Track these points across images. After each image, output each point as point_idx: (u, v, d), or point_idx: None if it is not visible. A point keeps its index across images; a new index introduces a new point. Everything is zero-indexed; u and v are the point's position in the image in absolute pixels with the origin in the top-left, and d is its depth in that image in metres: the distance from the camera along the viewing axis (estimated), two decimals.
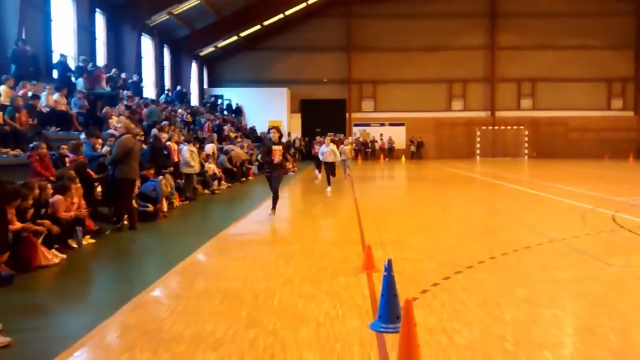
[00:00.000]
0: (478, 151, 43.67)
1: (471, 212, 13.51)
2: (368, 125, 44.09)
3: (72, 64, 19.71)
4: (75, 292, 6.88)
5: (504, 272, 7.18)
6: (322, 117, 41.98)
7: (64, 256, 8.15)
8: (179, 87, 31.85)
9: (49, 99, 14.89)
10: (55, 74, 18.60)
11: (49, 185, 8.66)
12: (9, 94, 12.90)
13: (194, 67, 37.86)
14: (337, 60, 42.97)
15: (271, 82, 41.37)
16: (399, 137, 43.77)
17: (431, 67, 42.40)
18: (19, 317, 5.53)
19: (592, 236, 9.77)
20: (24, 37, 16.65)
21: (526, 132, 43.56)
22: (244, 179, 22.68)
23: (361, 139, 43.56)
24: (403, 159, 40.40)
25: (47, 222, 8.01)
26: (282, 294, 6.17)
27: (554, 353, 4.49)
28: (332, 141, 20.09)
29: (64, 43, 21.42)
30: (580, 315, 5.49)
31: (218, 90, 40.80)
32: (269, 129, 12.20)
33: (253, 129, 36.11)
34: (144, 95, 25.45)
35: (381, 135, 43.99)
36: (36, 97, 13.67)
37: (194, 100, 36.87)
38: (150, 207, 11.94)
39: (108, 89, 18.55)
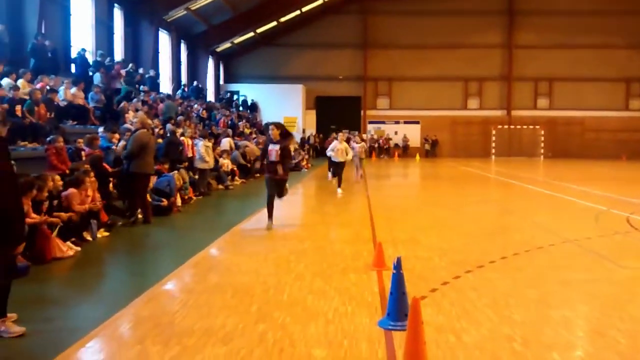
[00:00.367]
0: (493, 150, 43.42)
1: (484, 212, 13.46)
2: (383, 122, 44.00)
3: (90, 59, 19.89)
4: (89, 284, 6.98)
5: (514, 272, 7.17)
6: (337, 114, 41.96)
7: (79, 249, 8.27)
8: (195, 83, 32.01)
9: (67, 93, 15.05)
10: (73, 68, 18.80)
11: (57, 178, 8.77)
12: (27, 88, 13.06)
13: (211, 62, 38.02)
14: (353, 57, 42.91)
15: (287, 78, 41.43)
16: (413, 135, 43.64)
17: (447, 65, 42.18)
18: (34, 307, 5.64)
19: (605, 237, 9.70)
20: (43, 31, 16.84)
21: (542, 132, 43.21)
22: (258, 174, 22.72)
23: (375, 137, 43.48)
24: (417, 157, 40.28)
25: (62, 214, 8.13)
26: (292, 290, 6.22)
27: (563, 354, 4.49)
28: (345, 140, 18.23)
29: (82, 38, 21.63)
30: (590, 317, 5.48)
31: (234, 86, 40.95)
32: (267, 124, 10.45)
33: (268, 125, 36.19)
34: (161, 91, 25.62)
35: (395, 133, 43.85)
36: (54, 90, 13.83)
37: (210, 96, 37.03)
38: (165, 202, 12.05)
39: (124, 85, 18.72)
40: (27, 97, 12.48)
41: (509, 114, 43.31)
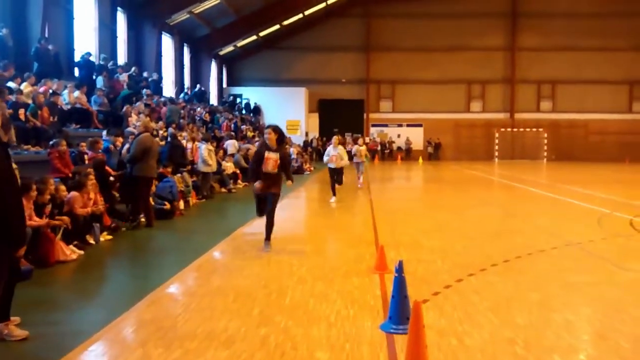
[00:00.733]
0: (496, 153, 43.37)
1: (487, 215, 13.45)
2: (386, 125, 44.00)
3: (94, 62, 19.95)
4: (92, 287, 7.00)
5: (517, 275, 7.16)
6: (340, 117, 41.98)
7: (82, 252, 8.29)
8: (198, 86, 32.07)
9: (70, 96, 15.10)
10: (76, 71, 18.85)
11: (63, 187, 8.78)
12: (31, 92, 13.11)
13: (214, 66, 38.08)
14: (356, 60, 42.94)
15: (290, 81, 41.46)
16: (416, 138, 43.62)
17: (450, 68, 42.18)
18: (37, 311, 5.65)
19: (608, 240, 9.69)
20: (46, 35, 16.89)
21: (545, 135, 43.15)
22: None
23: (378, 140, 43.49)
24: (420, 160, 40.27)
25: (65, 218, 8.15)
26: (294, 293, 6.22)
27: (565, 358, 4.49)
28: (340, 143, 16.55)
29: (85, 41, 21.69)
30: (593, 320, 5.47)
31: (237, 90, 41.00)
32: (264, 127, 8.53)
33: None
34: (164, 94, 25.67)
35: (398, 136, 43.85)
36: (56, 94, 13.88)
37: (213, 99, 37.09)
38: (167, 205, 12.07)
39: (126, 88, 18.78)
40: (30, 101, 12.52)
41: (512, 117, 43.28)
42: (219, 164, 17.56)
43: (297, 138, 37.06)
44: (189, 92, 30.30)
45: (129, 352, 4.61)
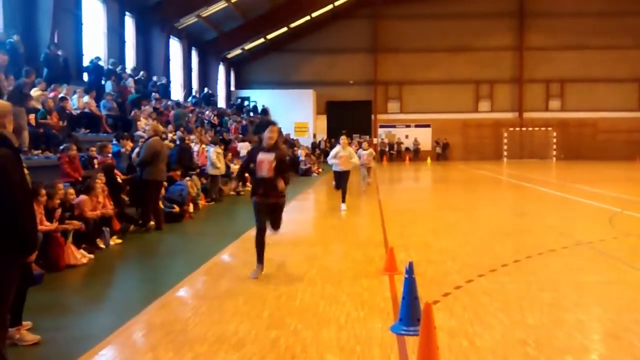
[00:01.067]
0: (505, 153, 43.19)
1: (496, 215, 13.39)
2: (394, 126, 43.93)
3: (103, 67, 20.05)
4: (102, 291, 7.03)
5: (527, 275, 7.12)
6: (347, 118, 41.92)
7: (92, 256, 8.33)
8: (205, 90, 32.16)
9: (79, 101, 15.18)
10: (85, 76, 18.96)
11: (72, 191, 8.81)
12: (40, 97, 13.19)
13: (222, 69, 38.18)
14: (363, 61, 42.91)
15: (297, 83, 41.49)
16: (424, 138, 43.52)
17: (458, 68, 42.06)
18: (48, 315, 5.68)
19: (619, 240, 9.62)
20: (56, 41, 17.00)
21: (554, 134, 42.92)
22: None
23: (386, 141, 43.44)
24: (429, 160, 40.17)
25: (76, 222, 8.18)
26: (304, 295, 6.22)
27: (577, 358, 4.46)
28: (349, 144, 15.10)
29: (94, 46, 21.81)
30: (605, 320, 5.43)
31: (245, 92, 41.08)
32: (266, 123, 7.37)
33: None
34: (172, 97, 25.77)
35: (406, 136, 43.77)
36: (65, 98, 13.95)
37: (221, 102, 37.18)
38: (176, 208, 12.10)
39: (133, 92, 18.86)
40: (39, 107, 12.60)
41: (520, 116, 43.09)
42: (228, 167, 17.59)
43: (305, 140, 37.07)
44: (198, 95, 30.38)
45: (139, 356, 4.62)
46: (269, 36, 39.64)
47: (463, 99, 42.94)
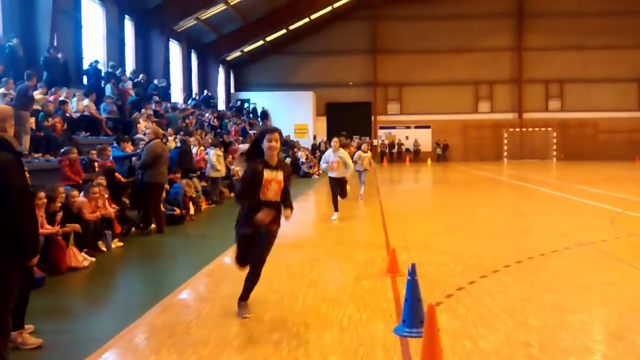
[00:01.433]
0: (505, 153, 43.19)
1: (498, 215, 13.38)
2: (394, 128, 43.94)
3: (102, 70, 20.05)
4: (104, 294, 7.02)
5: (530, 276, 7.10)
6: (347, 120, 41.96)
7: (93, 259, 8.31)
8: (205, 92, 32.16)
9: (79, 104, 15.18)
10: (85, 80, 18.96)
11: (75, 193, 8.79)
12: (41, 100, 13.19)
13: (221, 71, 38.19)
14: (363, 63, 42.93)
15: (297, 85, 41.53)
16: (424, 139, 43.53)
17: (457, 69, 42.08)
18: (50, 318, 5.66)
19: (621, 240, 9.60)
20: (55, 44, 17.01)
21: (554, 134, 42.93)
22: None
23: (387, 142, 43.44)
24: (429, 161, 40.17)
25: (76, 225, 8.17)
26: (306, 297, 6.21)
27: (581, 359, 4.44)
28: (343, 145, 13.36)
29: (93, 49, 21.82)
30: (608, 321, 5.41)
31: (244, 95, 41.12)
32: (262, 132, 5.65)
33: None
34: (172, 100, 25.77)
35: (406, 138, 43.77)
36: (64, 102, 13.95)
37: (221, 105, 37.19)
38: (177, 211, 12.09)
39: (133, 94, 18.86)
40: (39, 110, 12.60)
41: (520, 117, 43.11)
42: (228, 169, 17.58)
43: (305, 141, 37.08)
44: (197, 98, 30.39)
45: (141, 359, 4.61)
46: (269, 38, 39.67)
47: (463, 99, 42.96)
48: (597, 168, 31.44)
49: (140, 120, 16.78)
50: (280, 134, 5.71)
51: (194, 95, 30.88)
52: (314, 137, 41.13)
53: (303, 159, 28.54)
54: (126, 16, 24.83)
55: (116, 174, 11.38)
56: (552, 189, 19.55)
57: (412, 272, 4.95)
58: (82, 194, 8.89)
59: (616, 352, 4.62)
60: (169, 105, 22.39)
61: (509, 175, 28.61)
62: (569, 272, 7.36)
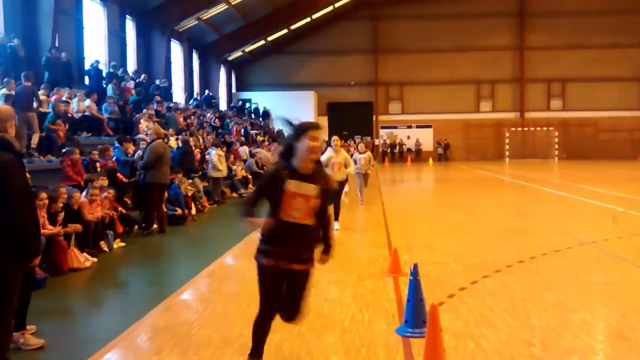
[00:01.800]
0: (507, 153, 43.15)
1: (499, 215, 13.36)
2: (395, 127, 43.91)
3: (104, 70, 20.05)
4: (106, 295, 7.01)
5: (532, 276, 7.09)
6: (349, 119, 41.95)
7: (95, 260, 8.31)
8: (207, 92, 32.16)
9: (80, 105, 15.18)
10: (87, 80, 18.96)
11: (78, 195, 8.78)
12: (45, 101, 13.21)
13: (223, 71, 38.19)
14: (364, 62, 42.91)
15: (298, 85, 41.51)
16: (426, 139, 43.51)
17: (459, 68, 42.04)
18: (52, 319, 5.66)
19: (624, 239, 9.58)
20: (57, 44, 17.01)
21: (556, 133, 42.88)
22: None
23: (388, 142, 43.41)
24: (430, 161, 40.14)
25: (77, 226, 8.16)
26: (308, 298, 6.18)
27: (583, 359, 4.43)
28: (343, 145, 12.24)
29: (95, 49, 21.82)
30: (611, 320, 5.39)
31: (246, 94, 41.11)
32: (302, 127, 4.09)
33: (280, 133, 36.29)
34: (174, 100, 25.76)
35: (408, 137, 43.73)
36: (66, 102, 13.95)
37: (223, 105, 37.18)
38: (179, 211, 12.09)
39: (134, 94, 18.86)
40: (42, 111, 12.61)
41: (522, 116, 43.06)
42: (230, 169, 17.58)
43: None
44: (199, 98, 30.39)
45: None
46: (270, 38, 39.65)
47: (464, 99, 42.92)
48: (598, 167, 31.40)
49: (142, 120, 16.77)
50: (316, 134, 4.10)
51: (195, 95, 30.87)
52: None
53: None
54: (127, 16, 24.83)
55: (118, 174, 11.40)
56: (554, 188, 19.53)
57: (415, 272, 4.94)
58: (83, 194, 8.89)
59: (619, 351, 4.60)
60: (170, 105, 22.37)
61: (510, 174, 28.58)
62: (571, 271, 7.35)
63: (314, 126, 4.13)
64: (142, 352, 4.84)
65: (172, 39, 28.82)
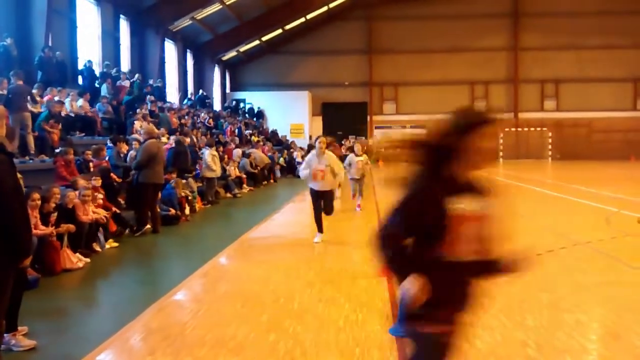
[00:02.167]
0: (501, 153, 43.22)
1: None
2: (389, 127, 43.88)
3: (97, 70, 19.98)
4: (99, 295, 6.99)
5: (526, 276, 7.07)
6: (343, 120, 41.92)
7: (88, 260, 8.26)
8: (201, 92, 32.11)
9: (73, 104, 15.12)
10: (80, 80, 18.89)
11: (73, 194, 8.73)
12: (39, 101, 13.15)
13: (217, 71, 38.12)
14: (358, 63, 42.90)
15: (292, 85, 41.47)
16: None
17: (453, 69, 42.08)
18: (44, 320, 5.62)
19: (618, 240, 9.60)
20: (50, 44, 16.93)
21: (550, 134, 42.98)
22: (266, 182, 22.80)
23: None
24: None
25: (70, 226, 8.12)
26: (302, 298, 6.18)
27: (577, 359, 4.43)
28: (329, 144, 10.35)
29: (89, 49, 21.74)
30: (605, 320, 5.41)
31: (240, 94, 41.03)
32: (474, 118, 2.81)
33: (275, 133, 36.30)
34: (168, 100, 25.70)
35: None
36: (60, 102, 13.90)
37: (217, 105, 37.12)
38: (172, 211, 12.05)
39: (127, 94, 18.82)
40: (34, 110, 12.54)
41: (515, 117, 43.13)
42: (224, 169, 17.54)
43: (301, 142, 37.06)
44: (193, 98, 30.33)
45: None
46: (264, 38, 39.60)
47: (458, 99, 42.81)
48: (592, 167, 31.51)
49: (135, 120, 16.72)
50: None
51: (189, 95, 30.81)
52: (310, 137, 41.11)
53: (299, 159, 28.50)
54: (121, 16, 24.73)
55: (112, 174, 11.36)
56: (548, 188, 19.57)
57: None
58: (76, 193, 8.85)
59: (613, 351, 4.61)
60: (164, 105, 22.32)
61: (504, 174, 28.63)
62: (565, 272, 7.36)
63: (491, 119, 2.90)
64: (135, 352, 4.82)
65: (166, 39, 28.74)
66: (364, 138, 39.44)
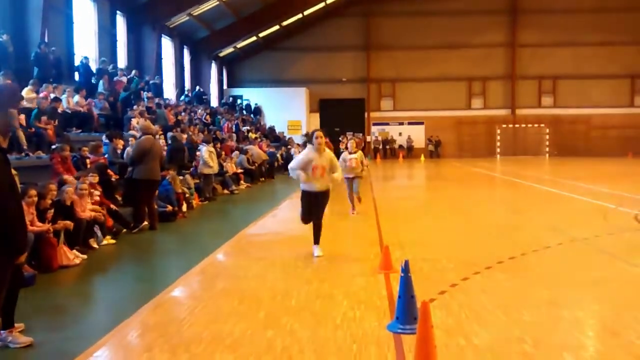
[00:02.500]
0: (498, 149, 43.27)
1: (490, 212, 13.39)
2: (387, 124, 43.92)
3: (93, 66, 19.92)
4: (96, 292, 6.97)
5: (523, 272, 7.10)
6: (341, 116, 41.87)
7: (85, 257, 8.25)
8: (198, 88, 32.05)
9: (69, 101, 15.07)
10: (77, 76, 18.83)
11: (71, 190, 8.70)
12: (33, 98, 13.09)
13: (214, 67, 38.05)
14: (356, 59, 42.87)
15: (290, 82, 41.41)
16: (418, 136, 43.55)
17: (451, 65, 42.07)
18: (41, 317, 5.61)
19: (615, 236, 9.62)
20: (46, 40, 16.87)
21: (547, 130, 43.02)
22: (263, 178, 22.79)
23: (380, 139, 43.42)
24: (422, 157, 40.19)
25: (68, 222, 8.10)
26: (300, 295, 6.17)
27: (575, 355, 4.43)
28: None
29: (85, 45, 21.67)
30: (602, 317, 5.41)
31: (237, 91, 40.98)
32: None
33: (272, 129, 36.27)
34: (165, 96, 25.64)
35: (400, 134, 43.76)
36: (57, 99, 13.86)
37: (214, 101, 37.06)
38: (169, 208, 12.03)
39: (122, 91, 18.77)
40: (29, 107, 12.50)
41: (513, 113, 43.18)
42: (221, 166, 17.51)
43: (298, 138, 37.04)
44: (190, 94, 30.26)
45: (134, 358, 4.57)
46: (261, 34, 39.53)
47: (456, 96, 42.96)
48: (589, 164, 31.54)
49: (132, 117, 16.68)
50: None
51: (186, 92, 30.74)
52: (306, 134, 41.08)
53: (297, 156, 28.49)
54: (118, 12, 24.66)
55: (109, 170, 11.33)
56: (545, 185, 19.59)
57: (406, 269, 4.93)
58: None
59: (611, 348, 4.61)
60: (160, 101, 22.25)
61: (502, 171, 28.67)
62: (562, 268, 7.36)
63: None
64: (132, 349, 4.81)
65: (162, 35, 28.66)
66: (360, 135, 39.39)
